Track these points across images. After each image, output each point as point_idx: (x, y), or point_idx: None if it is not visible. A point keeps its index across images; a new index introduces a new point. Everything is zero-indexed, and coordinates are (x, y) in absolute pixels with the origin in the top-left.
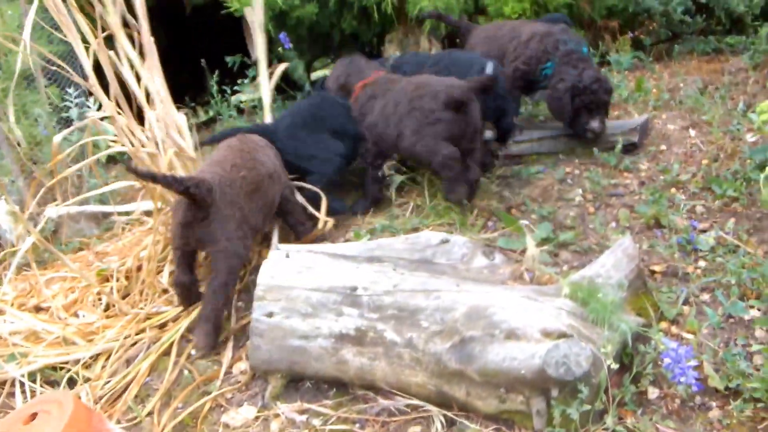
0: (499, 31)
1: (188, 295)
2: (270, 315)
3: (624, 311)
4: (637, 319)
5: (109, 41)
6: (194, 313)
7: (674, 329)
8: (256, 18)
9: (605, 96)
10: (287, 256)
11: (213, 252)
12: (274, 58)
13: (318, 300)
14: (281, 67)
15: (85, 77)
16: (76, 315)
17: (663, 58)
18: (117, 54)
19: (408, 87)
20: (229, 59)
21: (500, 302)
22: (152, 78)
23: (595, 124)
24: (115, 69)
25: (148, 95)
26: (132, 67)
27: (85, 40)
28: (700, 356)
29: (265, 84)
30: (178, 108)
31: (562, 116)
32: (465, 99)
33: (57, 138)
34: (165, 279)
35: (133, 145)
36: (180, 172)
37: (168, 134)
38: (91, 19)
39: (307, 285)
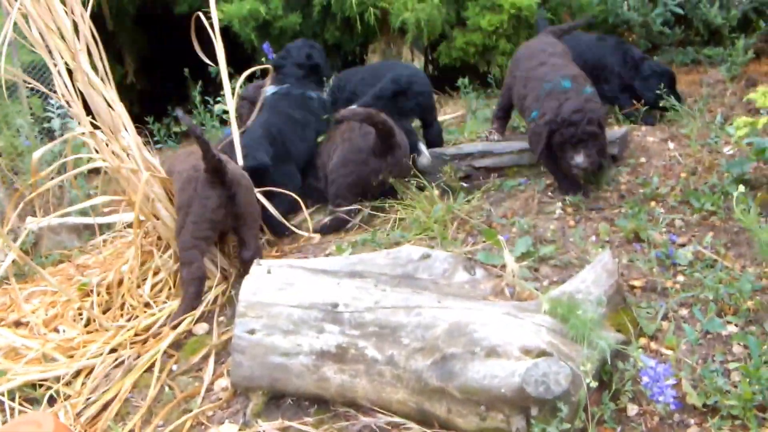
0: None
1: (199, 290)
2: (251, 332)
3: (603, 327)
4: (616, 336)
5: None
6: (179, 329)
7: (653, 345)
8: (215, 24)
9: (590, 127)
10: (269, 271)
11: (242, 226)
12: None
13: (299, 317)
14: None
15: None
16: (56, 330)
17: None
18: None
19: None
20: (211, 69)
21: (481, 319)
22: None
23: (579, 159)
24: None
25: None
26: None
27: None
28: (678, 373)
29: (228, 94)
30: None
31: (535, 152)
32: None
33: (36, 154)
34: (147, 292)
35: (110, 161)
36: (156, 190)
37: (141, 153)
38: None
39: (288, 302)
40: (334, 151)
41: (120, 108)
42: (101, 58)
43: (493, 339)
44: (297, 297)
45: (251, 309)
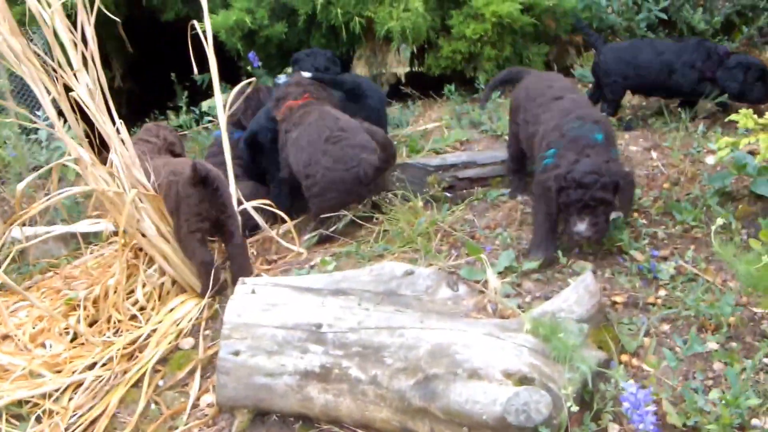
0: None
1: (211, 272)
2: (236, 353)
3: (586, 347)
4: (598, 355)
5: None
6: (162, 345)
7: (635, 361)
8: (208, 36)
9: (602, 193)
10: (253, 291)
11: (226, 217)
12: (243, 76)
13: (283, 337)
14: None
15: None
16: (42, 345)
17: None
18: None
19: None
20: (197, 77)
21: (463, 340)
22: (104, 120)
23: (581, 227)
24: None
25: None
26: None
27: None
28: (658, 393)
29: (219, 101)
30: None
31: (536, 206)
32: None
33: (20, 186)
34: (133, 306)
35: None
36: (145, 212)
37: (129, 172)
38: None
39: (272, 322)
40: (312, 162)
41: (110, 129)
42: (99, 81)
43: (475, 361)
44: (281, 318)
45: (236, 331)
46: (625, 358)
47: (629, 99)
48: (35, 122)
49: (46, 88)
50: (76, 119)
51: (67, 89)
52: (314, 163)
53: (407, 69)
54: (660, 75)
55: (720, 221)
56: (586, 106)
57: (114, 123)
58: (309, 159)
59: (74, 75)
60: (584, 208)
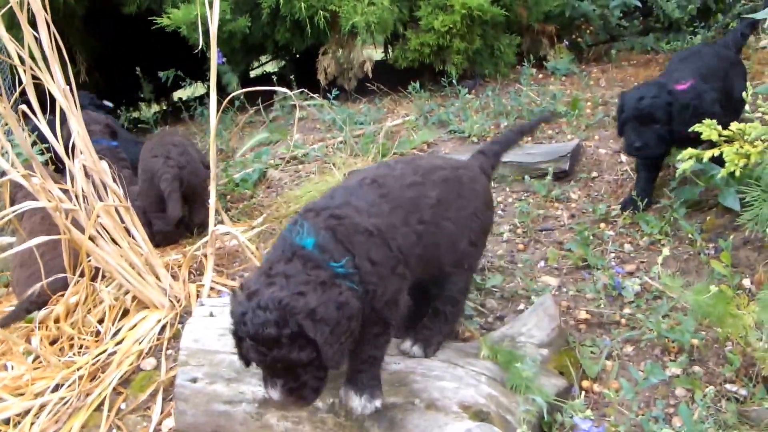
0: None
1: None
2: (194, 380)
3: (545, 373)
4: (557, 383)
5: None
6: (124, 365)
7: (597, 387)
8: (212, 52)
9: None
10: (211, 314)
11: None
12: (207, 71)
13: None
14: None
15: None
16: (3, 368)
17: (602, 58)
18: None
19: None
20: (162, 74)
21: (420, 369)
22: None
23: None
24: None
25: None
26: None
27: None
28: (617, 424)
29: (213, 111)
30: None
31: None
32: None
33: None
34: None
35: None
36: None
37: (99, 182)
38: None
39: (230, 349)
40: None
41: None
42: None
43: (432, 392)
44: None
45: (193, 357)
46: (586, 383)
47: (601, 94)
48: None
49: None
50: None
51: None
52: None
53: (381, 54)
54: None
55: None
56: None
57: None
58: None
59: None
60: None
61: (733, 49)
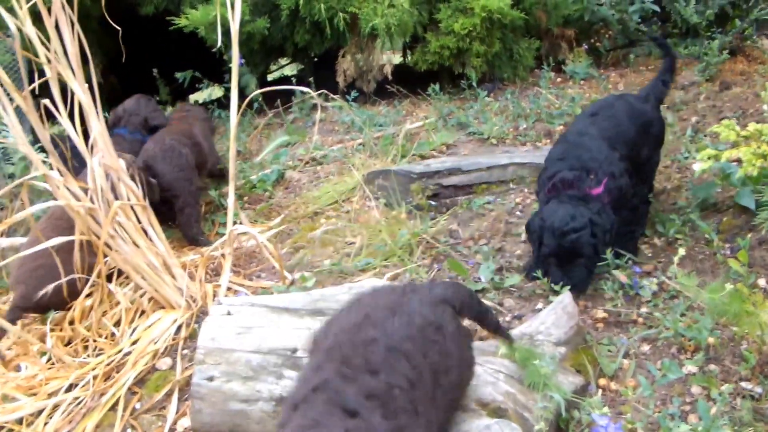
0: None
1: None
2: (210, 379)
3: (563, 371)
4: (575, 380)
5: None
6: (139, 365)
7: (613, 385)
8: (233, 52)
9: None
10: (228, 313)
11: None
12: (226, 73)
13: (258, 363)
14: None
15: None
16: (17, 368)
17: (620, 63)
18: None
19: None
20: (179, 75)
21: None
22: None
23: None
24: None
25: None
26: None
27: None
28: (634, 421)
29: (233, 115)
30: None
31: None
32: None
33: None
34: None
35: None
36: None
37: (117, 180)
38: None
39: (247, 347)
40: None
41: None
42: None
43: None
44: (256, 342)
45: (209, 356)
46: (603, 381)
47: None
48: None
49: (9, 96)
50: (44, 126)
51: (35, 96)
52: None
53: (400, 58)
54: None
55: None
56: None
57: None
58: None
59: (73, 73)
60: None
61: (653, 102)
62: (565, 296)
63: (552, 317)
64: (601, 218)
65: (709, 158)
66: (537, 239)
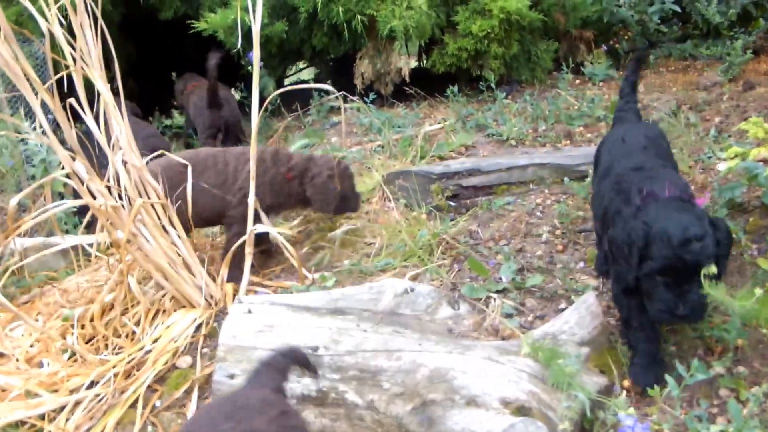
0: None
1: None
2: (231, 377)
3: (586, 372)
4: (599, 380)
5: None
6: (159, 363)
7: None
8: (254, 54)
9: None
10: (249, 311)
11: None
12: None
13: None
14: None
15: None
16: (39, 365)
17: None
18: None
19: None
20: None
21: (461, 365)
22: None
23: None
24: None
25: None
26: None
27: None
28: (660, 422)
29: (254, 116)
30: None
31: None
32: None
33: (13, 201)
34: (135, 320)
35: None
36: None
37: (140, 179)
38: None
39: (268, 345)
40: None
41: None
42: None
43: (472, 388)
44: (277, 340)
45: (231, 353)
46: (627, 383)
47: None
48: (27, 133)
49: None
50: (71, 127)
51: (62, 96)
52: None
53: (415, 63)
54: None
55: None
56: None
57: None
58: None
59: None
60: None
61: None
62: (589, 295)
63: (575, 317)
64: (721, 224)
65: (735, 156)
66: (637, 252)
